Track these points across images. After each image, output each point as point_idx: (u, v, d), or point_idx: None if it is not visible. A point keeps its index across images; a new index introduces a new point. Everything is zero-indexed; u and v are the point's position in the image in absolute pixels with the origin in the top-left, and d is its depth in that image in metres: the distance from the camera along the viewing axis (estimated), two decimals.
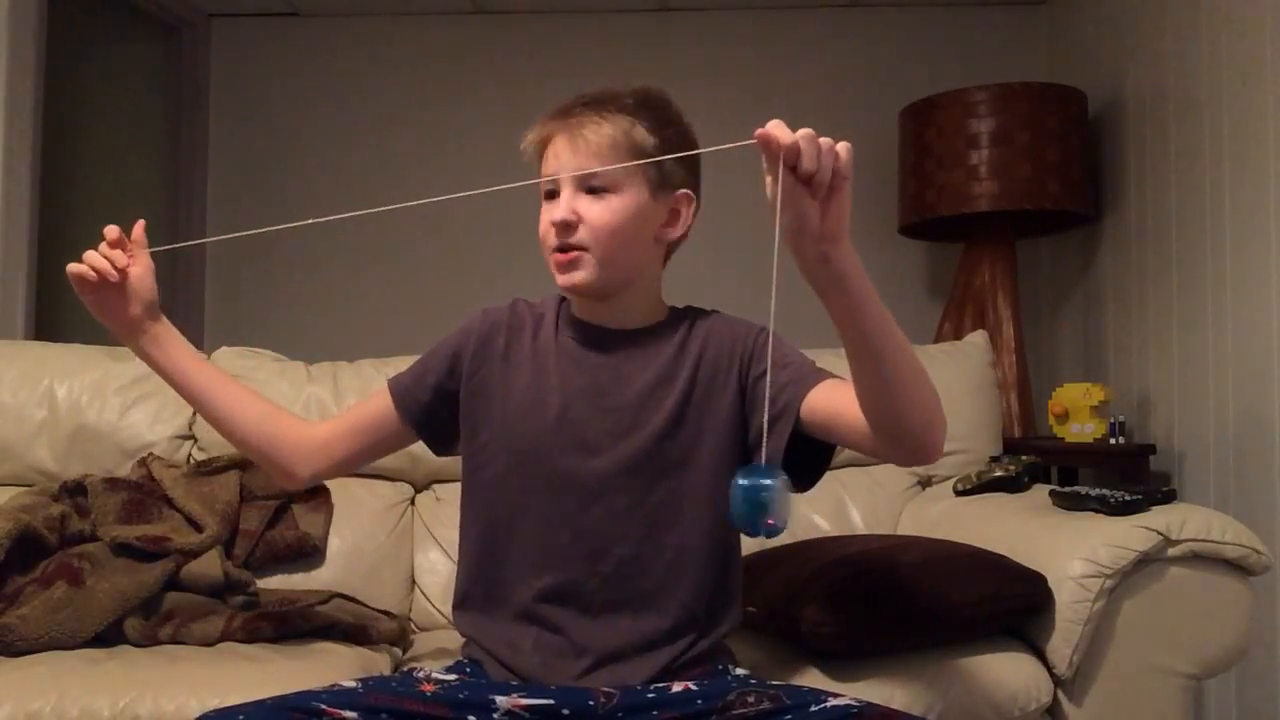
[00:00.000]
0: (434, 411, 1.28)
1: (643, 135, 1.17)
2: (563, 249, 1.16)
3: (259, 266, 3.51)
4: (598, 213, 1.15)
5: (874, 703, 1.10)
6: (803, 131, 0.85)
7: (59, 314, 3.00)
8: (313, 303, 3.48)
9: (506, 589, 1.21)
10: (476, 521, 1.25)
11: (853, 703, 1.07)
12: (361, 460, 1.33)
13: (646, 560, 1.18)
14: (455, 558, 1.85)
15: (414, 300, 3.44)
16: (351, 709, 1.03)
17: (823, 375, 1.14)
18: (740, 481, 0.87)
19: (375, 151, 3.51)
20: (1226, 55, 2.25)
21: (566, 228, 1.15)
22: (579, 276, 1.17)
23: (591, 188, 1.16)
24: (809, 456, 1.15)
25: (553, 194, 1.18)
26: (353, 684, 1.10)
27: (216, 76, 3.57)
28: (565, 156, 1.16)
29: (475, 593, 1.25)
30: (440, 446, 1.31)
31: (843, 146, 0.86)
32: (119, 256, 1.23)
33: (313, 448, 1.29)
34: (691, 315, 1.27)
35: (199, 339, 3.44)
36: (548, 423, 1.20)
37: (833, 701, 1.07)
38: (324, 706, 1.03)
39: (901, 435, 1.01)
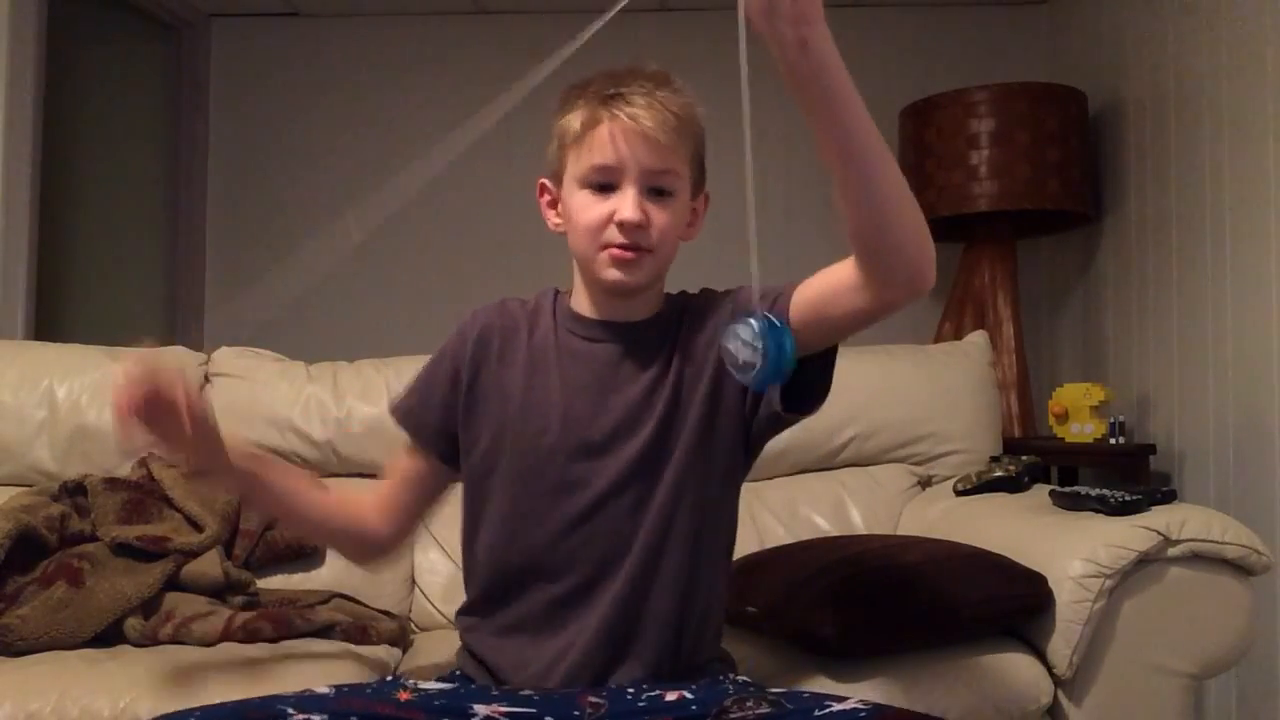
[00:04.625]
0: (449, 431, 1.23)
1: (696, 110, 1.16)
2: (629, 247, 1.13)
3: (259, 266, 3.51)
4: (664, 217, 1.14)
5: (884, 704, 1.06)
6: None
7: (59, 314, 3.00)
8: (313, 303, 3.48)
9: (519, 597, 1.18)
10: (484, 529, 1.21)
11: (860, 706, 1.02)
12: (421, 508, 1.29)
13: (655, 553, 1.15)
14: (455, 558, 1.86)
15: (414, 300, 3.44)
16: (320, 713, 1.00)
17: (798, 282, 1.13)
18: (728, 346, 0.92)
19: (375, 151, 3.51)
20: (1226, 55, 2.25)
21: (639, 228, 1.12)
22: (638, 276, 1.15)
23: (657, 189, 1.14)
24: (814, 375, 1.13)
25: (605, 186, 1.13)
26: (325, 690, 1.07)
27: (216, 76, 3.56)
28: (637, 147, 1.12)
29: (483, 604, 1.21)
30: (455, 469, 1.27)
31: None
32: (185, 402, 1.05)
33: (381, 508, 1.26)
34: (682, 301, 1.25)
35: (199, 339, 3.44)
36: (553, 426, 1.17)
37: (837, 706, 1.02)
38: (290, 710, 0.99)
39: (895, 257, 1.00)
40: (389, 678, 1.39)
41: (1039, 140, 2.65)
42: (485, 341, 1.23)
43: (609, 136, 1.12)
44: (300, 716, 0.98)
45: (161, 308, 3.46)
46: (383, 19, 3.52)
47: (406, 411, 1.26)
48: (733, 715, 1.03)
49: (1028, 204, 2.65)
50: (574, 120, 1.14)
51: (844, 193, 0.96)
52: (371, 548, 1.30)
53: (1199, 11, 2.36)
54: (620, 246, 1.13)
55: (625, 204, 1.12)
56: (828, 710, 1.01)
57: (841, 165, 0.94)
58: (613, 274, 1.14)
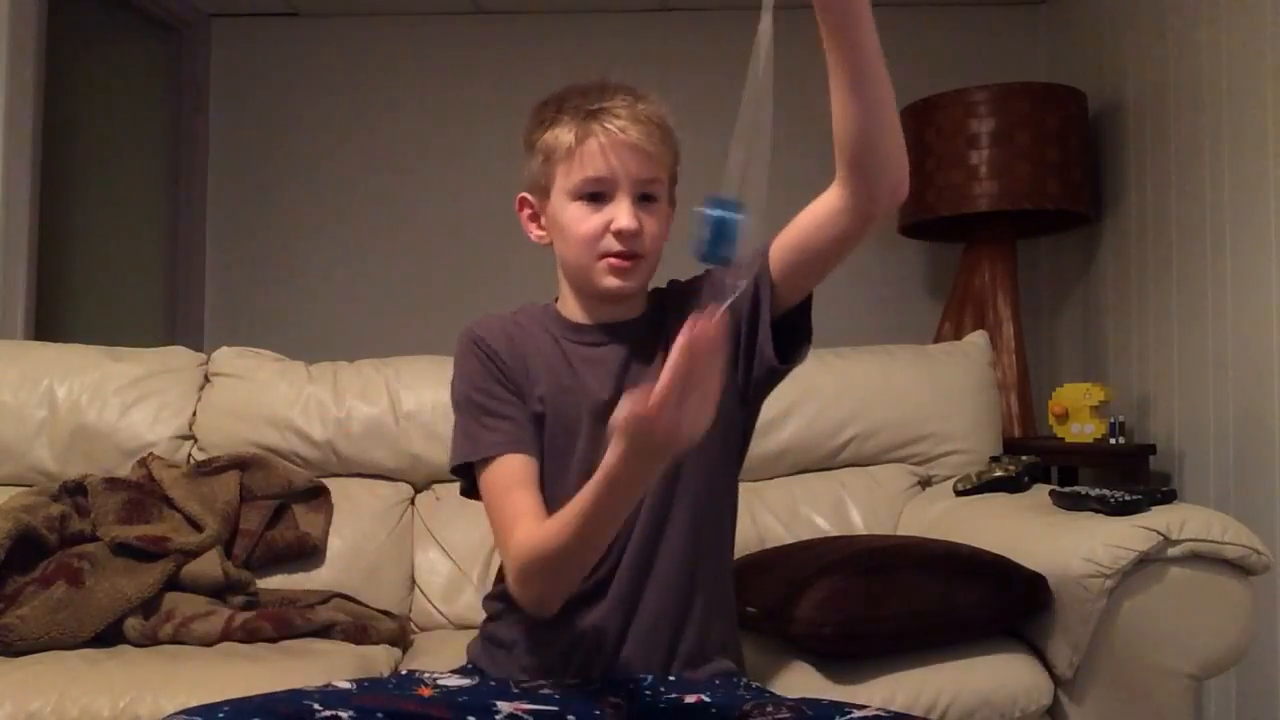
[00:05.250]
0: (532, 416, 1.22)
1: (672, 122, 1.21)
2: (625, 255, 1.18)
3: (259, 266, 3.51)
4: (654, 223, 1.19)
5: (902, 713, 1.08)
6: None
7: (59, 314, 3.00)
8: (313, 303, 3.48)
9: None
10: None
11: (880, 713, 1.04)
12: None
13: (666, 541, 1.18)
14: (455, 558, 1.87)
15: (414, 300, 3.44)
16: (346, 709, 1.01)
17: (769, 242, 1.19)
18: (708, 211, 0.91)
19: (375, 151, 3.51)
20: (1226, 55, 2.25)
21: (635, 236, 1.17)
22: (634, 281, 1.20)
23: (645, 196, 1.18)
24: (799, 324, 1.19)
25: (598, 197, 1.17)
26: (347, 685, 1.08)
27: (216, 76, 3.57)
28: (627, 158, 1.16)
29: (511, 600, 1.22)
30: None
31: None
32: None
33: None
34: (660, 295, 1.30)
35: (199, 339, 3.44)
36: (580, 429, 1.20)
37: (858, 713, 1.03)
38: (316, 706, 1.00)
39: (883, 167, 1.05)
40: (404, 671, 1.39)
41: (1039, 140, 2.65)
42: (512, 351, 1.25)
43: (599, 150, 1.16)
44: (327, 712, 0.99)
45: (161, 308, 3.46)
46: (383, 19, 3.52)
47: (512, 439, 1.19)
48: (754, 718, 1.05)
49: (1028, 204, 2.65)
50: (561, 135, 1.18)
51: (847, 109, 1.02)
52: None
53: (1199, 11, 2.36)
54: (618, 255, 1.17)
55: (621, 213, 1.16)
56: (849, 716, 1.03)
57: (851, 83, 1.01)
58: (612, 282, 1.19)
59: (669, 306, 1.26)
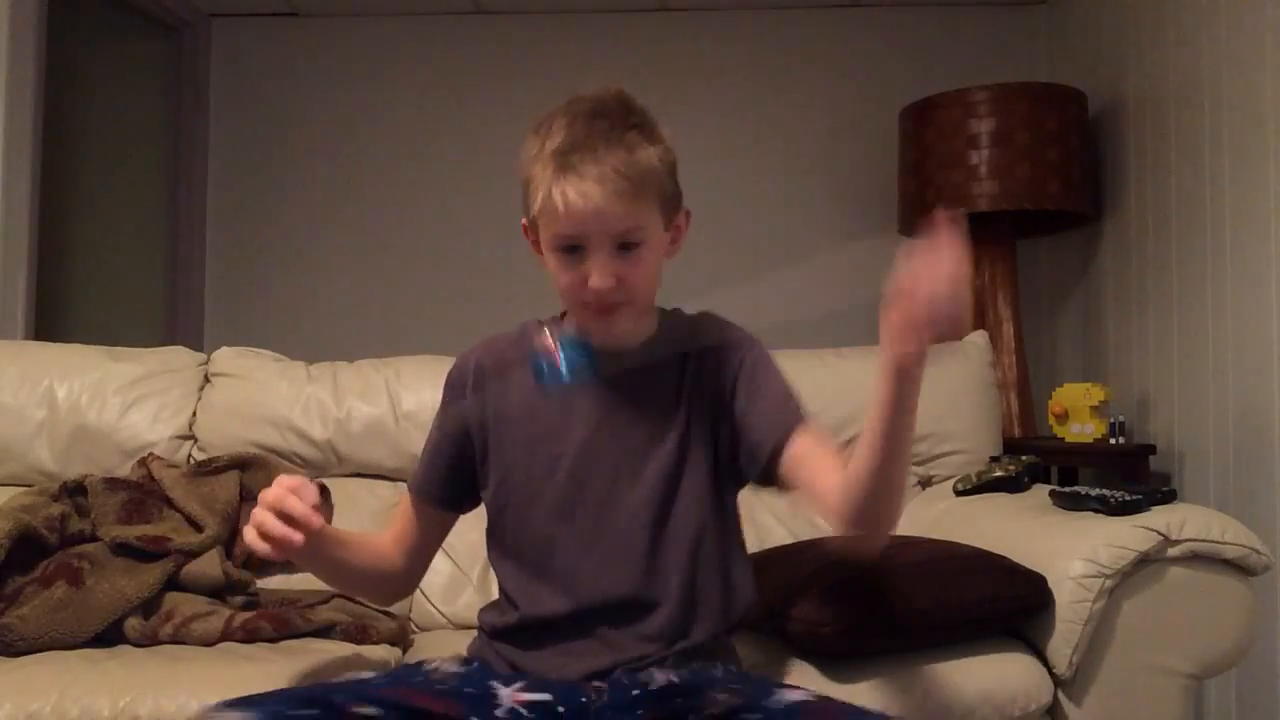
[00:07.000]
0: (459, 485, 1.29)
1: (650, 158, 1.14)
2: (607, 307, 1.16)
3: (259, 266, 3.51)
4: (636, 270, 1.15)
5: (828, 696, 1.10)
6: (936, 285, 0.98)
7: (59, 314, 3.00)
8: (313, 303, 3.48)
9: (541, 614, 1.20)
10: (509, 556, 1.25)
11: (809, 697, 1.07)
12: (434, 546, 1.36)
13: (663, 565, 1.19)
14: (455, 558, 1.87)
15: (414, 300, 3.44)
16: (357, 699, 1.02)
17: (802, 418, 1.21)
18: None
19: (375, 151, 3.51)
20: (1226, 55, 2.25)
21: (612, 291, 1.14)
22: (621, 328, 1.18)
23: (625, 244, 1.14)
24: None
25: (574, 248, 1.14)
26: (370, 674, 1.12)
27: (216, 76, 3.57)
28: (593, 221, 1.11)
29: (503, 617, 1.24)
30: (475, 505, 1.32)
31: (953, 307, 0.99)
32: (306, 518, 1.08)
33: (399, 545, 1.32)
34: (681, 321, 1.28)
35: (199, 339, 3.44)
36: (569, 451, 1.20)
37: (789, 695, 1.06)
38: (338, 699, 1.02)
39: (873, 524, 1.11)
40: (412, 662, 1.41)
41: (1039, 140, 2.65)
42: (483, 384, 1.26)
43: (566, 213, 1.11)
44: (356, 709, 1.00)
45: (161, 308, 3.46)
46: (383, 19, 3.52)
47: (417, 486, 1.32)
48: (706, 711, 1.06)
49: (1028, 204, 2.65)
50: (535, 189, 1.14)
51: (865, 475, 1.07)
52: (394, 586, 1.35)
53: (1199, 11, 2.36)
54: (598, 307, 1.16)
55: (594, 272, 1.13)
56: (771, 697, 1.05)
57: (881, 459, 1.07)
58: (597, 327, 1.18)
59: (695, 341, 1.24)
